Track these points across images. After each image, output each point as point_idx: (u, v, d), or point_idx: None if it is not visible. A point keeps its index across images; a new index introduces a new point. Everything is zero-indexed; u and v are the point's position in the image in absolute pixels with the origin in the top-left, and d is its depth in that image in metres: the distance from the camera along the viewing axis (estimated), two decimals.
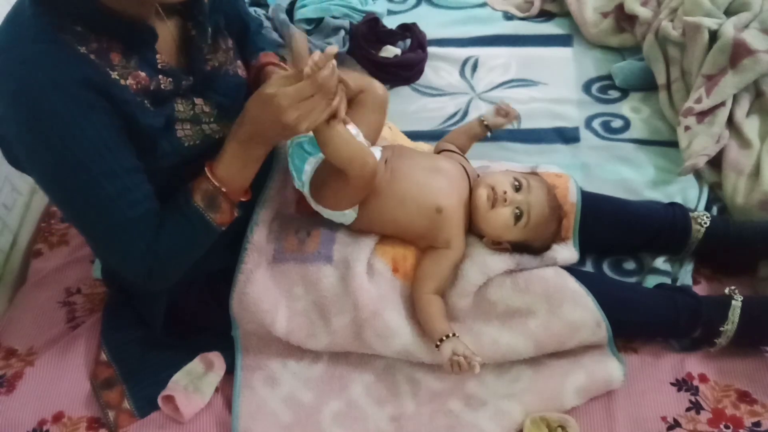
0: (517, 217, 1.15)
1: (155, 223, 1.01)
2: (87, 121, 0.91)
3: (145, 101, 0.98)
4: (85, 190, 0.95)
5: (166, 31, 1.03)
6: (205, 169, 1.01)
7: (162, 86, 1.00)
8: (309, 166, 1.14)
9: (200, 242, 1.06)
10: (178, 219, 1.02)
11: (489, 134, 1.34)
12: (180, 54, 1.06)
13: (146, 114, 0.97)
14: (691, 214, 1.32)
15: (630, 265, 1.38)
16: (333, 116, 1.02)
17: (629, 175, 1.55)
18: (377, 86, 1.18)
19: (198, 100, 1.06)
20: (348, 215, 1.16)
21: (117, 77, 0.94)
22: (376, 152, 1.18)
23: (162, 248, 1.02)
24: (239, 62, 1.16)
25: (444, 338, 1.09)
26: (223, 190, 1.02)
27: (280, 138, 1.05)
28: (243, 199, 1.07)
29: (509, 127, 1.34)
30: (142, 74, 0.97)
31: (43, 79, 0.89)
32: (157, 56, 1.00)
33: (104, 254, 1.06)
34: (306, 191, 1.16)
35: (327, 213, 1.17)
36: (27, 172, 1.03)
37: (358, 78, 1.17)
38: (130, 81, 0.96)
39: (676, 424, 1.14)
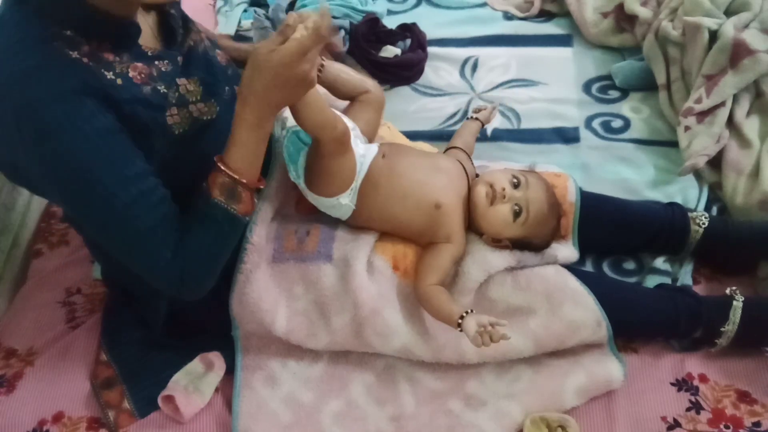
0: (516, 214, 1.15)
1: (176, 227, 1.00)
2: (91, 128, 0.91)
3: (158, 86, 0.98)
4: (101, 203, 0.95)
5: (146, 24, 1.04)
6: (217, 163, 1.00)
7: (163, 69, 1.01)
8: (303, 158, 1.15)
9: (228, 238, 1.05)
10: (203, 220, 1.01)
11: (483, 125, 1.43)
12: (158, 42, 1.07)
13: (147, 108, 0.97)
14: (690, 215, 1.32)
15: (630, 265, 1.37)
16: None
17: (629, 175, 1.54)
18: (378, 87, 1.23)
19: (181, 81, 1.05)
20: (345, 207, 1.16)
21: (113, 77, 0.94)
22: (373, 148, 1.19)
23: (190, 253, 1.01)
24: (219, 51, 1.17)
25: (463, 315, 1.05)
26: (243, 180, 1.00)
27: (294, 96, 1.00)
28: (260, 186, 1.06)
29: (496, 117, 1.45)
30: (140, 65, 0.98)
31: (42, 93, 0.88)
32: (143, 47, 1.00)
33: (133, 266, 1.04)
34: (301, 183, 1.17)
35: (323, 204, 1.17)
36: (46, 196, 1.02)
37: (363, 79, 1.22)
38: (132, 73, 0.96)
39: (676, 424, 1.14)
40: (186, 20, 1.11)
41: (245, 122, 0.99)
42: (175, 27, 1.07)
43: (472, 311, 1.05)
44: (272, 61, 0.93)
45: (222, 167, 1.00)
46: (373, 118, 1.23)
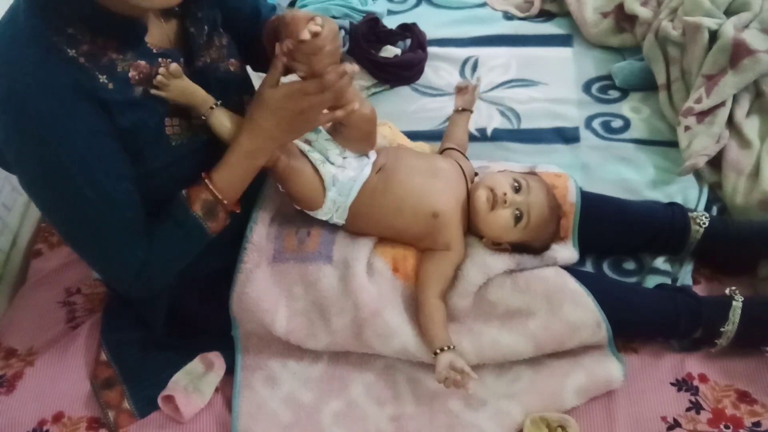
0: (518, 219, 1.15)
1: (141, 232, 1.02)
2: (73, 125, 0.92)
3: (151, 89, 0.99)
4: (68, 198, 0.96)
5: (162, 32, 1.04)
6: (204, 179, 1.03)
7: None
8: None
9: (192, 251, 1.08)
10: (174, 228, 1.04)
11: (471, 112, 1.39)
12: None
13: (137, 112, 0.98)
14: (690, 215, 1.32)
15: (630, 265, 1.37)
16: None
17: (629, 175, 1.54)
18: (369, 111, 1.14)
19: None
20: (330, 219, 1.17)
21: (105, 81, 0.94)
22: (367, 169, 1.17)
23: (155, 258, 1.03)
24: (232, 60, 1.16)
25: (444, 348, 1.09)
26: (225, 202, 1.04)
27: (294, 131, 1.05)
28: (236, 211, 1.08)
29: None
30: (143, 63, 0.98)
31: (31, 82, 0.89)
32: (149, 45, 1.00)
33: (89, 262, 1.07)
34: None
35: (311, 213, 1.18)
36: (17, 177, 1.03)
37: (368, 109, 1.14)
38: (132, 72, 0.97)
39: (676, 424, 1.14)
40: (212, 33, 1.10)
41: (242, 149, 1.03)
42: (194, 48, 1.06)
43: (454, 348, 1.09)
44: (274, 96, 1.00)
45: (209, 184, 1.02)
46: (366, 140, 1.17)
